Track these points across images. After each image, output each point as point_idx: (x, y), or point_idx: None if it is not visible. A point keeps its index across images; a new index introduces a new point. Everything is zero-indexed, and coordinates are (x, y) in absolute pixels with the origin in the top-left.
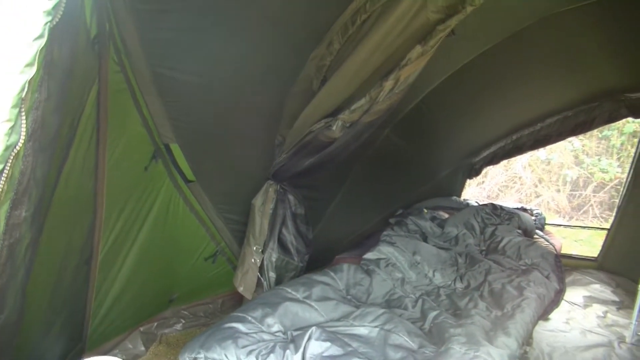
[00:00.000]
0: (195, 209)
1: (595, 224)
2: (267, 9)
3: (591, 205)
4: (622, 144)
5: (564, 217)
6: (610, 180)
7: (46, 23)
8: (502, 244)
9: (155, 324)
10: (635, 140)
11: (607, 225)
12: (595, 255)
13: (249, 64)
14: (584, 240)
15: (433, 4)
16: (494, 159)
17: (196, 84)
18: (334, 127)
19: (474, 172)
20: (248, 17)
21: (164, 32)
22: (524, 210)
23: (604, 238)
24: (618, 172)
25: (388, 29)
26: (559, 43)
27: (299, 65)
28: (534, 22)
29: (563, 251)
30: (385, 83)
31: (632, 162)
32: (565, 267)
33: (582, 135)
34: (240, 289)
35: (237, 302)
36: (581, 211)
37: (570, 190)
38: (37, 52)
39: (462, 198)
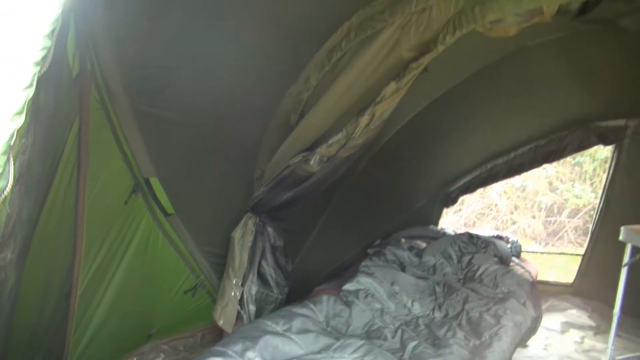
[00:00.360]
0: (175, 242)
1: (571, 249)
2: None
3: (566, 231)
4: (594, 170)
5: (540, 243)
6: (584, 205)
7: (35, 74)
8: (479, 273)
9: (135, 358)
10: (607, 166)
11: (582, 251)
12: (571, 281)
13: (232, 92)
14: (560, 266)
15: (406, 42)
16: (469, 188)
17: (176, 120)
18: (312, 161)
19: (451, 200)
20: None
21: (145, 70)
22: (500, 238)
23: (579, 263)
24: (591, 197)
25: (363, 66)
26: (530, 74)
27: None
28: (505, 55)
29: (539, 278)
30: (361, 119)
31: (604, 188)
32: (542, 293)
33: (556, 162)
34: (220, 322)
35: (217, 335)
36: (556, 237)
37: (546, 217)
38: (25, 102)
39: (439, 227)
